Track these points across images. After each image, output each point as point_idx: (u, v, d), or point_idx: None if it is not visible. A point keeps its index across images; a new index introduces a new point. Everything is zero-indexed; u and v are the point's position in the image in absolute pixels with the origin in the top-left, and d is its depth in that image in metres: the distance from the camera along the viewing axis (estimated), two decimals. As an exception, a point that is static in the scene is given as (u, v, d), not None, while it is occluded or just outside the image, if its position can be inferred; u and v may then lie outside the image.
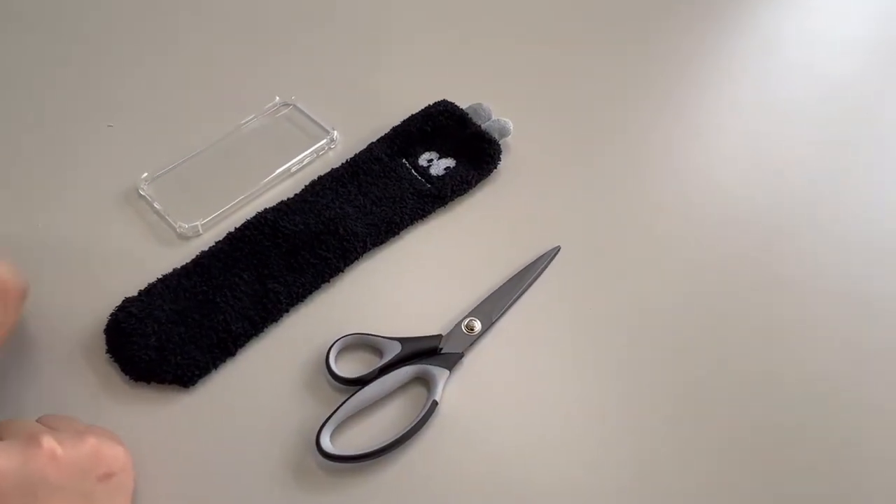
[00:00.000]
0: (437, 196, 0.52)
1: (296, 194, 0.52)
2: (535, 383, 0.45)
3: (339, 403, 0.42)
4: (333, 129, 0.55)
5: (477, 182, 0.54)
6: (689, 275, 0.51)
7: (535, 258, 0.50)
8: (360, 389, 0.43)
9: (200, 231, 0.50)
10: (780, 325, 0.48)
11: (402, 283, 0.49)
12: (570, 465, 0.42)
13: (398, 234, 0.51)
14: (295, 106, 0.57)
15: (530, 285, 0.49)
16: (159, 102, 0.59)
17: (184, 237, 0.50)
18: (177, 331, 0.44)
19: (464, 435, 0.43)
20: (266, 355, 0.45)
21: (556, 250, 0.51)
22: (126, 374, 0.43)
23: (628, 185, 0.56)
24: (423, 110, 0.56)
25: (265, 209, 0.51)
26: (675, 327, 0.48)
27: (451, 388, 0.44)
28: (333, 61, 0.64)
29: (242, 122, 0.56)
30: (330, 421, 0.41)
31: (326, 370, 0.44)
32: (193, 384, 0.43)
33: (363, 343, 0.46)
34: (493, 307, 0.47)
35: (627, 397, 0.45)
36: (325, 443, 0.41)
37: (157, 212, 0.50)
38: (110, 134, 0.56)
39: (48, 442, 0.33)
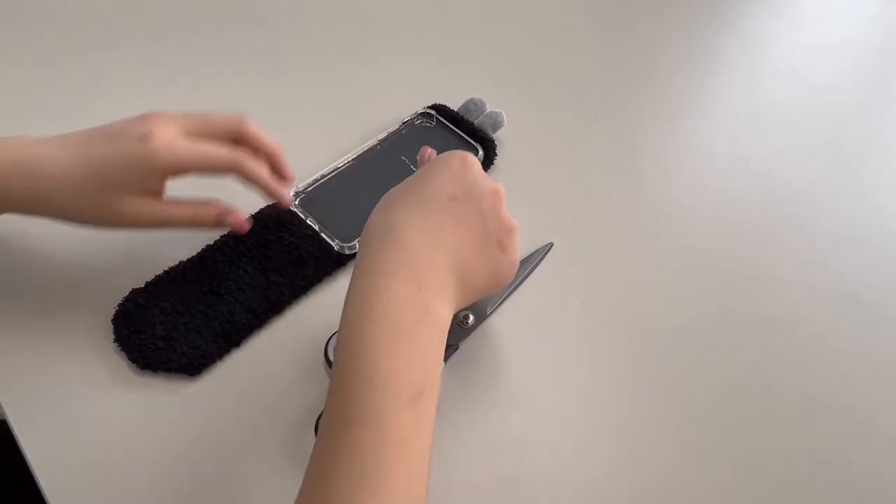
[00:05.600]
0: None
1: None
2: (527, 374, 0.47)
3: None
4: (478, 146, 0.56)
5: None
6: (679, 272, 0.52)
7: (528, 254, 0.52)
8: None
9: (357, 248, 0.50)
10: (768, 319, 0.50)
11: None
12: (560, 452, 0.43)
13: None
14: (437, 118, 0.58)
15: (524, 280, 0.51)
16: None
17: (341, 252, 0.50)
18: (182, 321, 0.46)
19: (456, 423, 0.44)
20: (269, 346, 0.47)
21: (549, 246, 0.52)
22: (133, 362, 0.45)
23: (620, 185, 0.58)
24: (419, 112, 0.58)
25: (269, 204, 0.52)
26: (665, 323, 0.50)
27: (444, 379, 0.45)
28: (333, 65, 0.65)
29: (380, 136, 0.57)
30: None
31: (325, 361, 0.45)
32: (199, 373, 0.45)
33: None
34: (488, 301, 0.49)
35: (619, 390, 0.46)
36: None
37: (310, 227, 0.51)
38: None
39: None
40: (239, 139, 0.45)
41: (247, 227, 0.46)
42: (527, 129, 0.59)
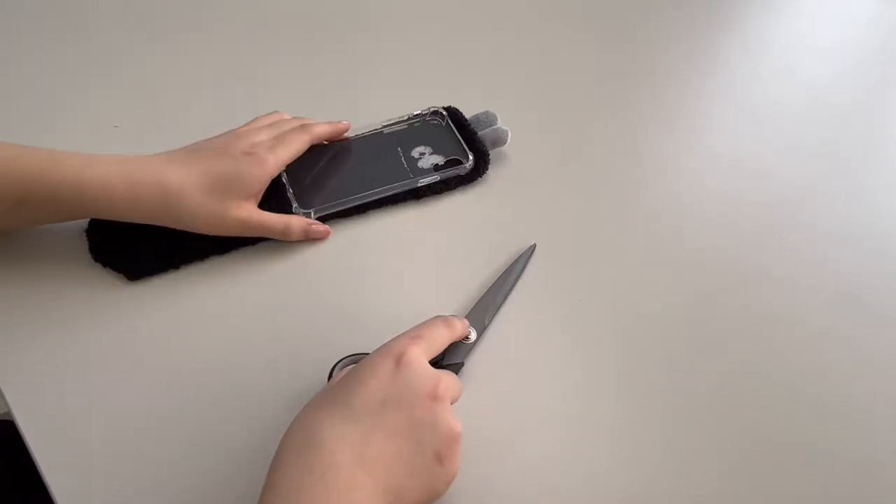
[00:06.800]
0: (414, 189, 0.54)
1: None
2: (528, 376, 0.46)
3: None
4: (469, 155, 0.56)
5: (457, 186, 0.56)
6: (679, 271, 0.52)
7: (513, 258, 0.51)
8: None
9: (312, 217, 0.52)
10: (767, 319, 0.50)
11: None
12: (560, 452, 0.43)
13: (365, 213, 0.54)
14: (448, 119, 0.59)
15: (514, 286, 0.50)
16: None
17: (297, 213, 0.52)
18: (143, 230, 0.48)
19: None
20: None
21: (532, 248, 0.52)
22: (92, 254, 0.49)
23: (620, 184, 0.58)
24: (432, 109, 0.59)
25: None
26: (665, 322, 0.49)
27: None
28: (344, 72, 0.65)
29: (385, 122, 0.58)
30: None
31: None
32: (138, 279, 0.49)
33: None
34: (484, 312, 0.48)
35: (619, 390, 0.46)
36: None
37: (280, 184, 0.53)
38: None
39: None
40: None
41: (328, 233, 0.52)
42: (527, 129, 0.59)
